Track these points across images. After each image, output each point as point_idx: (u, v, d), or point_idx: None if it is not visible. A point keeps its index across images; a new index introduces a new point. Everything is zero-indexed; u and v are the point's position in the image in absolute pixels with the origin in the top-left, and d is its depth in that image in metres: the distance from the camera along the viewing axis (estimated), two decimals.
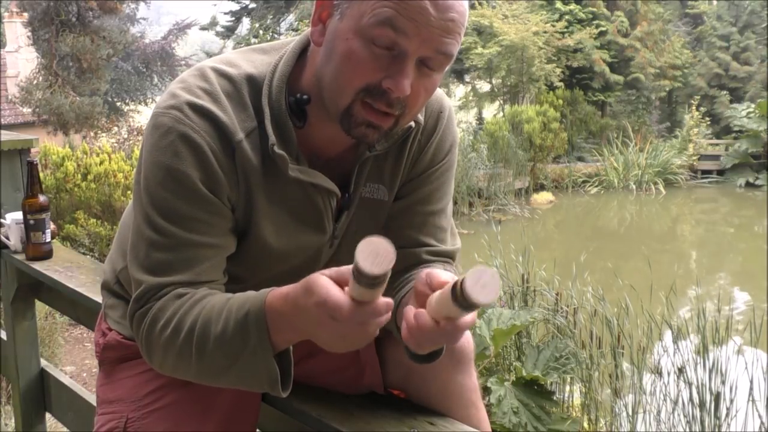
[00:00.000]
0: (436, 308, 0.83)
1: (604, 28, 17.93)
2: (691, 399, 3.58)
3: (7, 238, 2.15)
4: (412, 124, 1.06)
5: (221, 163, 0.97)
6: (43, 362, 2.34)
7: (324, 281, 0.82)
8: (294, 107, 1.00)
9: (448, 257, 1.15)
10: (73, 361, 5.11)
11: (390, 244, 0.73)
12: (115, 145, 13.30)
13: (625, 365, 3.95)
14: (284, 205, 1.04)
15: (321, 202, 1.05)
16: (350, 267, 0.79)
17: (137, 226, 0.99)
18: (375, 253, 0.73)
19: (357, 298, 0.80)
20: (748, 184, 16.55)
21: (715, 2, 21.83)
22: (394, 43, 0.89)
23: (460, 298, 0.77)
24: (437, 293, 0.84)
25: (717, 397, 3.51)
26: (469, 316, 0.83)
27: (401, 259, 1.13)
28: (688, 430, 3.56)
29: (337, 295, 0.81)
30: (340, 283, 0.83)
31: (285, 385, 0.94)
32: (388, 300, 0.81)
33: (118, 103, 20.08)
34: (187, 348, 0.94)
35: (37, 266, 2.02)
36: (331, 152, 1.06)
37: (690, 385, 3.61)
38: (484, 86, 20.19)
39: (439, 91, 1.13)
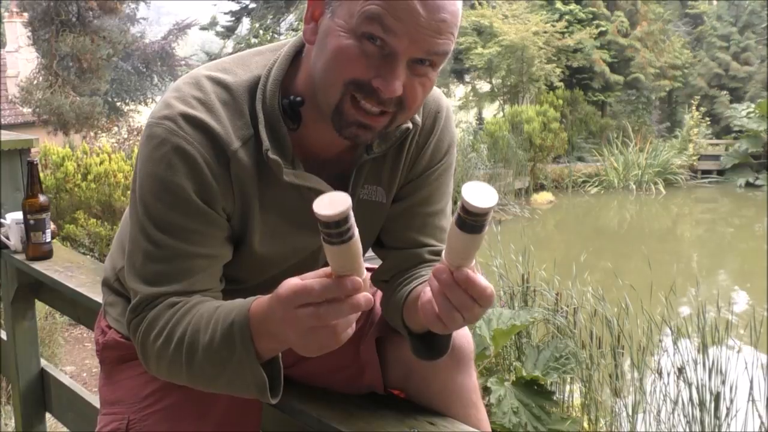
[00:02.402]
0: (447, 247, 0.86)
1: (604, 28, 17.92)
2: (691, 399, 3.58)
3: (7, 238, 2.15)
4: (410, 125, 1.06)
5: (215, 174, 0.97)
6: (43, 362, 2.34)
7: (287, 281, 0.83)
8: (288, 110, 0.99)
9: None
10: (73, 361, 5.11)
11: (345, 194, 0.76)
12: (115, 145, 13.28)
13: (626, 365, 3.95)
14: (280, 210, 1.03)
15: None
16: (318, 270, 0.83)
17: (133, 235, 1.00)
18: (331, 203, 0.75)
19: (329, 262, 0.81)
20: (748, 184, 16.53)
21: (715, 2, 21.83)
22: (383, 42, 0.89)
23: (464, 216, 0.79)
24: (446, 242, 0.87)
25: (717, 397, 3.51)
26: (478, 276, 0.86)
27: (404, 259, 1.13)
28: (688, 430, 3.56)
29: (292, 280, 0.82)
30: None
31: (275, 391, 0.94)
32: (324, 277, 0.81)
33: (118, 103, 20.07)
34: (178, 356, 0.95)
35: (37, 266, 2.02)
36: (327, 154, 1.05)
37: (690, 385, 3.61)
38: (484, 86, 20.18)
39: (437, 91, 1.13)
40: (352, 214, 0.76)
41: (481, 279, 0.86)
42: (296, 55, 1.02)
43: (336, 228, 0.75)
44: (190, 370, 0.95)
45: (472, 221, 0.80)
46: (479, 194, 0.79)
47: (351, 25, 0.89)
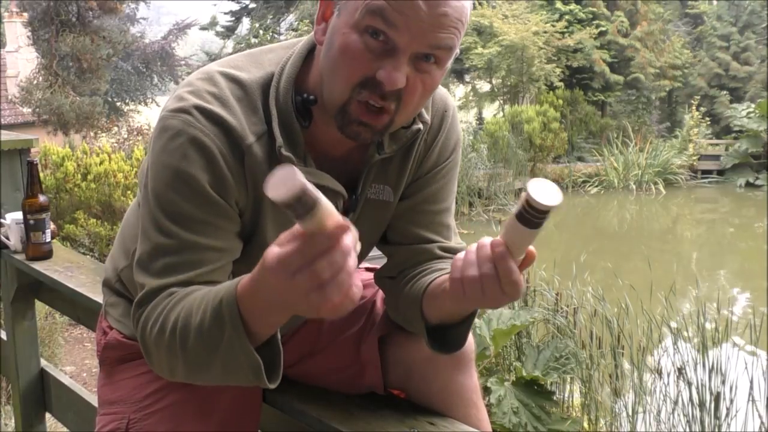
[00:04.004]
0: (503, 235, 0.88)
1: (604, 28, 17.92)
2: (691, 399, 3.58)
3: (7, 238, 2.15)
4: (421, 126, 1.06)
5: (230, 167, 0.97)
6: (43, 362, 2.34)
7: (269, 251, 0.77)
8: (300, 108, 1.00)
9: (456, 254, 1.15)
10: (73, 361, 5.11)
11: (290, 170, 0.68)
12: (115, 145, 13.28)
13: (625, 365, 3.95)
14: None
15: None
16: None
17: (144, 229, 0.99)
18: (282, 183, 0.68)
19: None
20: (748, 184, 16.53)
21: (715, 2, 21.84)
22: (386, 37, 0.90)
23: (525, 210, 0.81)
24: (502, 231, 0.89)
25: (717, 397, 3.51)
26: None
27: (413, 255, 1.13)
28: (688, 430, 3.56)
29: (273, 249, 0.76)
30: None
31: (274, 375, 0.90)
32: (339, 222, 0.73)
33: (118, 103, 20.09)
34: (173, 342, 0.92)
35: (37, 266, 2.02)
36: (337, 152, 1.06)
37: (690, 385, 3.61)
38: (484, 86, 20.19)
39: (444, 91, 1.13)
40: (306, 183, 0.68)
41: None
42: (309, 54, 1.03)
43: (297, 205, 0.69)
44: (185, 355, 0.92)
45: (531, 216, 0.82)
46: (544, 192, 0.80)
47: (355, 20, 0.90)
